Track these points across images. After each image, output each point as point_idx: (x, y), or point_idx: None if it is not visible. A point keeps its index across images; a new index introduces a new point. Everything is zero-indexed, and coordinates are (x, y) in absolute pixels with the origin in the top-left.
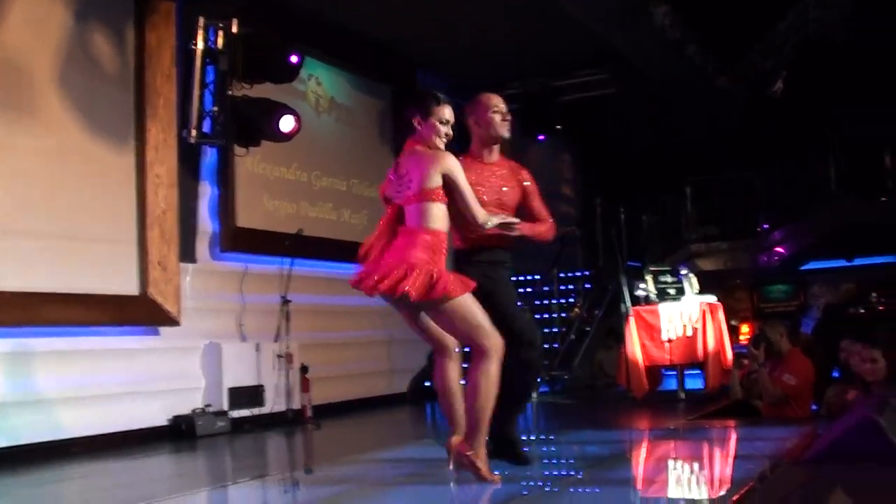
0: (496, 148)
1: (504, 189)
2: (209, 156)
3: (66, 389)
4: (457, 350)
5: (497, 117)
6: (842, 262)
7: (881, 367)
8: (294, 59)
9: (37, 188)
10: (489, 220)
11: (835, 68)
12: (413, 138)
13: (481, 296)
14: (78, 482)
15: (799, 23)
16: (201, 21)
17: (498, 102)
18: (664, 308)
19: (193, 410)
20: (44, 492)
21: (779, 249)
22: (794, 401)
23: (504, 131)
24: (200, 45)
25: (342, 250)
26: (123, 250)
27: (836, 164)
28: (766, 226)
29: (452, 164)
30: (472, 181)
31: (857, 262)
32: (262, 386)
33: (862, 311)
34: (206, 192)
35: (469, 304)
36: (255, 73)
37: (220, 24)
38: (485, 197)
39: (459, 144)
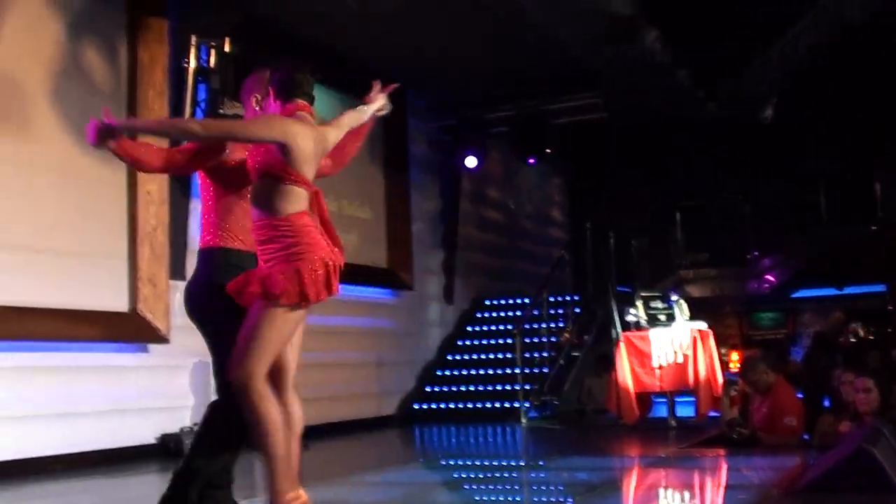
0: None
1: None
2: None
3: (52, 405)
4: None
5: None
6: (832, 291)
7: (874, 396)
8: None
9: (27, 201)
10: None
11: (825, 95)
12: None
13: None
14: (60, 499)
15: (789, 50)
16: (194, 39)
17: None
18: (655, 334)
19: (182, 429)
20: None
21: (768, 277)
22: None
23: None
24: (192, 63)
25: None
26: (114, 266)
27: (826, 191)
28: (755, 252)
29: None
30: None
31: (847, 290)
32: None
33: (852, 339)
34: (197, 210)
35: None
36: None
37: (213, 43)
38: None
39: None
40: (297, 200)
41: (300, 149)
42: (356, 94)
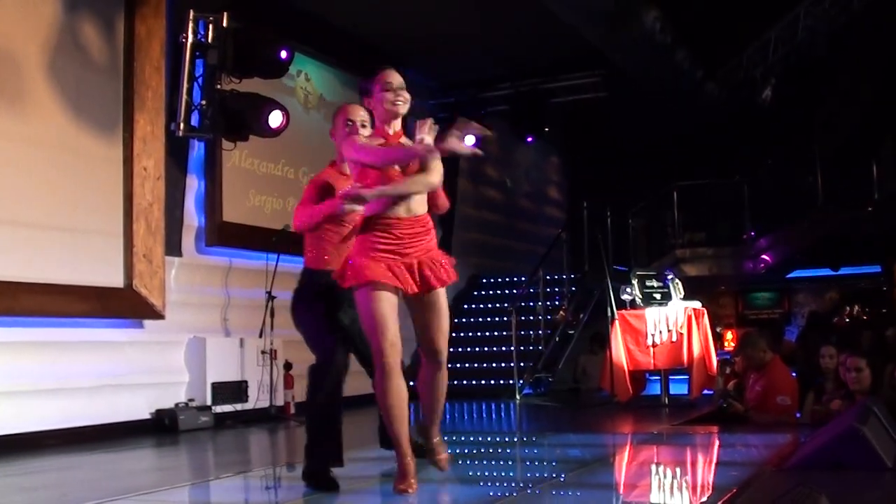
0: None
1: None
2: (196, 149)
3: (47, 381)
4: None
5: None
6: (827, 272)
7: (865, 375)
8: (283, 54)
9: (21, 176)
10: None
11: (822, 78)
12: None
13: None
14: (55, 474)
15: (788, 33)
16: (191, 14)
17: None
18: (650, 313)
19: (176, 405)
20: (21, 481)
21: (764, 257)
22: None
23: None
24: (190, 38)
25: None
26: (109, 242)
27: (823, 172)
28: (752, 233)
29: None
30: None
31: (843, 271)
32: (245, 381)
33: (847, 319)
34: (193, 186)
35: None
36: (245, 67)
37: (211, 18)
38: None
39: None
40: None
41: None
42: (353, 71)
